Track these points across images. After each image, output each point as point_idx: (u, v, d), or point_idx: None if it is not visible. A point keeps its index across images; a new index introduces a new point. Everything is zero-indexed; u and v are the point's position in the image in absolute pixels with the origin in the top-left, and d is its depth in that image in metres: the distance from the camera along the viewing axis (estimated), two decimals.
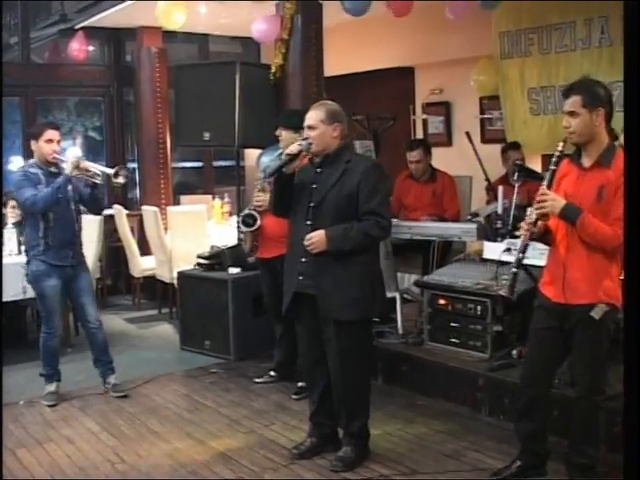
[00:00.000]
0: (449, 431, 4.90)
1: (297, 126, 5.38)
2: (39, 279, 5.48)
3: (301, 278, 4.21)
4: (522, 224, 3.80)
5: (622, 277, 3.70)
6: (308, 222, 4.18)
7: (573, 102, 3.65)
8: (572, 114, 3.65)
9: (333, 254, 4.09)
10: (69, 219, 5.49)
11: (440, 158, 7.58)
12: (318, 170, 4.24)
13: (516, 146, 6.89)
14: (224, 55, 10.34)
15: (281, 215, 4.47)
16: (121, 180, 5.34)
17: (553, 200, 3.65)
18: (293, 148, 4.17)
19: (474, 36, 7.82)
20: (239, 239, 6.30)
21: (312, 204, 4.17)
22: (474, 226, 5.78)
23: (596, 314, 3.65)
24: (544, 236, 3.83)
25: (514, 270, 3.79)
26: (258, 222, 5.53)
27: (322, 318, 4.19)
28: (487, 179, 6.64)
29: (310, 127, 4.20)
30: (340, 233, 4.09)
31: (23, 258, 5.68)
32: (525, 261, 4.63)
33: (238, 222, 5.87)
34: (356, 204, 4.11)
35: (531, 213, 3.73)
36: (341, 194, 4.12)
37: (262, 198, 5.49)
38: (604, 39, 6.66)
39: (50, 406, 5.54)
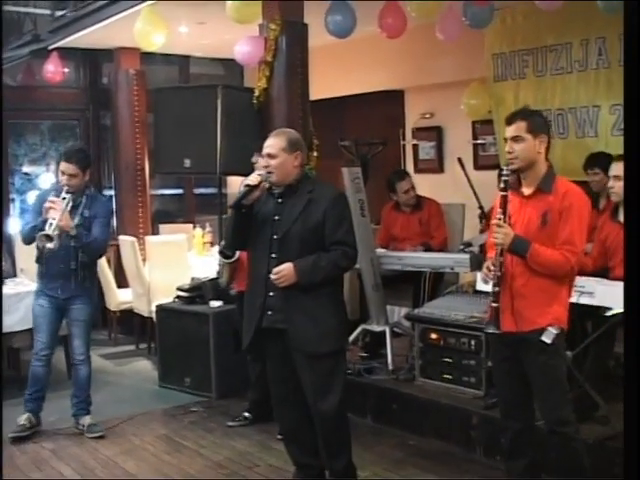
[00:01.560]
0: (442, 473, 4.88)
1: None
2: (35, 296, 5.73)
3: (270, 313, 4.22)
4: (487, 263, 3.89)
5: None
6: (273, 255, 4.19)
7: (518, 127, 3.83)
8: (516, 139, 3.82)
9: (302, 287, 4.12)
10: (62, 254, 5.49)
11: (431, 185, 7.63)
12: (279, 201, 4.26)
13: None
14: (205, 77, 10.39)
15: (238, 248, 4.52)
16: (49, 245, 5.31)
17: (505, 234, 3.77)
18: (253, 178, 4.19)
19: (466, 58, 7.89)
20: (217, 272, 6.30)
21: (276, 236, 4.19)
22: (467, 256, 5.80)
23: (547, 338, 3.73)
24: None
25: (495, 305, 3.82)
26: (237, 254, 5.53)
27: (295, 353, 4.20)
28: (480, 207, 6.65)
29: (270, 155, 4.22)
30: (310, 265, 4.12)
31: None
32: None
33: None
34: (322, 235, 4.16)
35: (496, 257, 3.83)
36: (307, 226, 4.15)
37: None
38: (601, 61, 6.74)
39: (13, 439, 5.51)
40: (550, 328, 3.75)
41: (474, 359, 5.40)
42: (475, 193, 6.55)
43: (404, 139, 9.40)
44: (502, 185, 3.83)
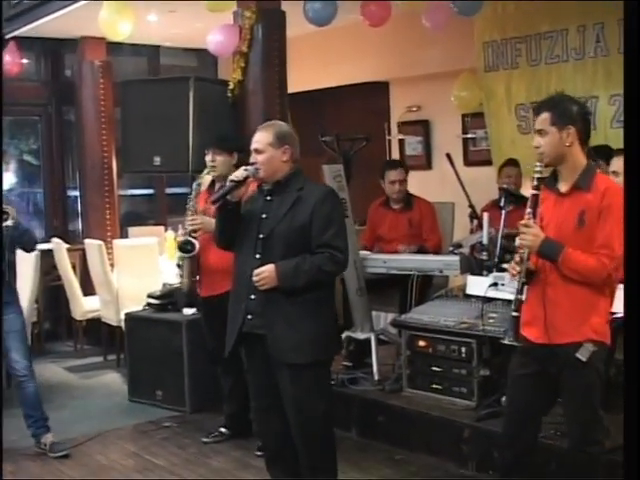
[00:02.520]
0: None
1: (231, 149, 5.55)
2: None
3: (250, 317, 4.20)
4: (512, 264, 3.80)
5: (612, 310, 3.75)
6: (257, 256, 4.18)
7: (542, 119, 3.73)
8: (541, 133, 3.73)
9: (284, 291, 4.11)
10: None
11: (419, 183, 7.65)
12: (268, 198, 4.27)
13: (513, 163, 6.91)
14: (177, 69, 10.37)
15: (224, 247, 4.49)
16: (8, 222, 5.30)
17: (534, 236, 3.66)
18: (239, 174, 4.19)
19: (455, 47, 7.92)
20: (179, 275, 6.09)
21: (261, 236, 4.18)
22: (457, 258, 5.81)
23: (583, 355, 3.62)
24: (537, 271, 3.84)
25: (515, 315, 3.76)
26: (197, 247, 5.53)
27: (274, 361, 4.18)
28: (471, 205, 6.67)
29: (257, 150, 4.23)
30: (292, 268, 4.10)
31: None
32: (505, 295, 4.68)
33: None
34: (309, 236, 4.14)
35: (521, 248, 3.73)
36: (293, 225, 4.14)
37: (198, 221, 5.53)
38: (600, 48, 6.75)
39: None
40: (586, 344, 3.61)
41: (465, 368, 5.41)
42: (465, 191, 6.57)
43: (389, 134, 9.42)
44: (534, 183, 3.71)
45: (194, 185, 5.75)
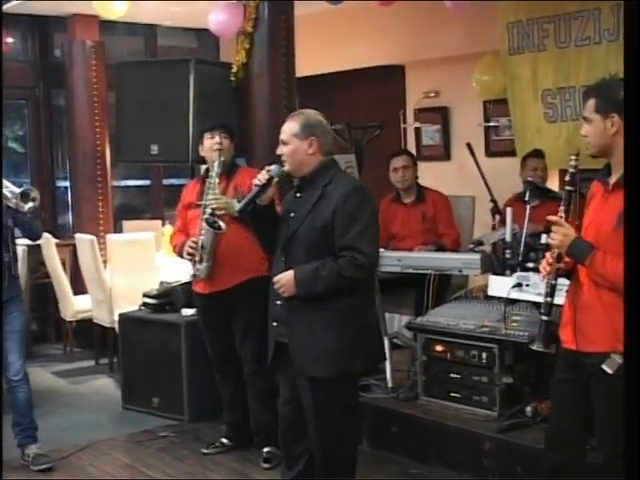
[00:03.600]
0: None
1: (233, 136, 5.62)
2: None
3: (275, 324, 4.26)
4: (543, 263, 3.77)
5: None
6: (283, 258, 4.21)
7: (588, 106, 3.68)
8: (586, 120, 3.68)
9: (305, 297, 4.11)
10: None
11: (436, 174, 7.65)
12: (297, 195, 4.29)
13: (539, 153, 6.91)
14: (176, 51, 10.40)
15: (270, 253, 4.48)
16: (31, 204, 5.33)
17: (564, 235, 3.61)
18: (261, 177, 4.19)
19: (477, 28, 7.91)
20: (193, 273, 5.79)
21: (286, 236, 4.21)
22: (477, 257, 5.81)
23: (609, 367, 3.55)
24: (570, 271, 3.83)
25: (545, 319, 3.76)
26: (224, 226, 5.33)
27: (296, 373, 4.20)
28: (493, 200, 6.66)
29: (282, 142, 4.24)
30: (309, 274, 4.09)
31: None
32: (539, 298, 4.67)
33: (201, 233, 5.50)
34: (332, 237, 4.10)
35: (553, 247, 3.70)
36: (314, 226, 4.12)
37: (223, 199, 5.38)
38: None
39: None
40: (614, 355, 3.54)
41: (486, 375, 5.41)
42: (486, 184, 6.57)
43: (405, 122, 9.41)
44: (567, 178, 3.68)
45: (216, 167, 5.56)
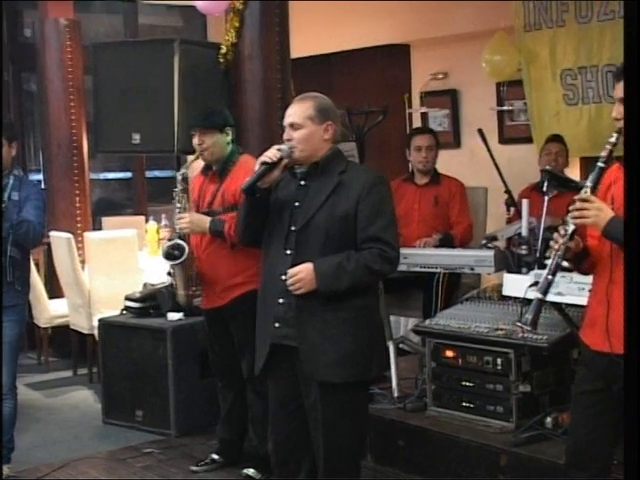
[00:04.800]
0: None
1: (222, 125, 5.54)
2: None
3: (277, 325, 4.20)
4: (555, 235, 3.73)
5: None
6: (288, 251, 4.17)
7: (619, 87, 3.64)
8: (621, 101, 3.62)
9: (322, 295, 4.09)
10: None
11: (445, 163, 7.64)
12: (302, 183, 4.25)
13: (558, 140, 6.91)
14: (158, 30, 10.42)
15: (250, 244, 4.50)
16: None
17: (598, 210, 3.53)
18: (270, 154, 4.16)
19: (488, 3, 7.91)
20: (171, 285, 6.06)
21: (294, 228, 4.17)
22: (491, 253, 5.82)
23: None
24: (580, 258, 3.81)
25: (539, 296, 3.76)
26: (186, 251, 5.46)
27: (304, 378, 4.19)
28: (507, 191, 6.68)
29: (293, 125, 4.21)
30: (333, 267, 4.07)
31: None
32: (558, 298, 4.67)
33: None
34: (354, 228, 4.11)
35: (568, 222, 3.63)
36: (334, 215, 4.11)
37: (186, 219, 5.50)
38: None
39: None
40: None
41: (501, 383, 5.41)
42: (500, 173, 6.59)
43: (410, 106, 9.43)
44: (603, 154, 3.61)
45: (178, 176, 5.70)
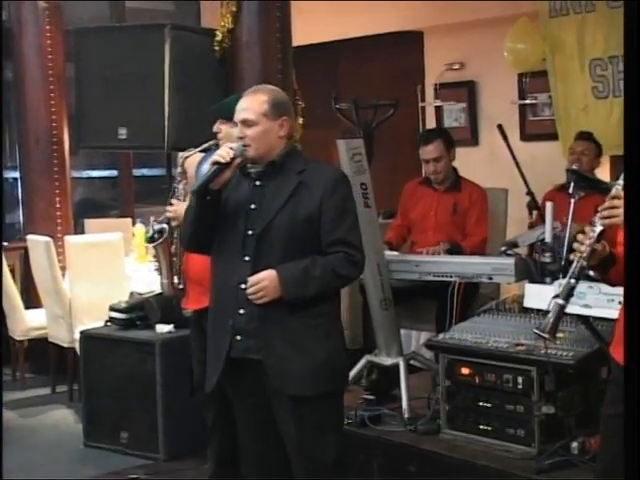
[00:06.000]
0: None
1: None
2: None
3: (239, 338, 4.21)
4: (579, 236, 3.73)
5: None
6: (246, 258, 4.19)
7: None
8: None
9: (287, 303, 4.13)
10: None
11: (461, 163, 7.64)
12: (257, 183, 4.28)
13: (586, 136, 6.91)
14: (147, 15, 10.41)
15: (197, 250, 4.57)
16: None
17: None
18: (223, 153, 4.19)
19: None
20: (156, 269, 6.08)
21: (251, 232, 4.20)
22: (511, 261, 5.83)
23: None
24: (606, 266, 3.80)
25: (560, 302, 3.75)
26: (165, 234, 5.54)
27: (273, 393, 4.21)
28: (530, 192, 6.69)
29: (246, 122, 4.24)
30: (299, 273, 4.12)
31: None
32: (586, 311, 4.67)
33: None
34: (317, 231, 4.17)
35: (596, 223, 3.57)
36: (296, 217, 4.16)
37: (174, 208, 5.54)
38: None
39: None
40: None
41: (523, 403, 5.41)
42: (522, 174, 6.59)
43: (423, 99, 9.44)
44: None
45: (179, 159, 5.71)
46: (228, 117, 5.48)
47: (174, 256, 5.64)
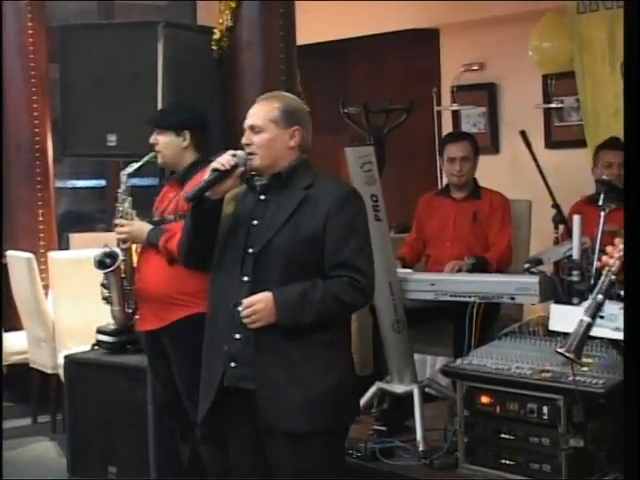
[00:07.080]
0: None
1: (180, 126, 5.62)
2: None
3: (233, 365, 4.21)
4: (609, 249, 3.73)
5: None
6: (245, 278, 4.20)
7: None
8: None
9: (285, 329, 4.12)
10: None
11: (481, 172, 7.65)
12: (262, 197, 4.29)
13: (617, 144, 6.92)
14: (138, 11, 10.44)
15: (195, 265, 4.55)
16: None
17: None
18: (224, 160, 4.20)
19: None
20: (104, 298, 6.16)
21: (251, 250, 4.20)
22: (535, 280, 5.83)
23: None
24: None
25: (586, 320, 3.73)
26: (119, 259, 5.67)
27: (266, 427, 4.20)
28: (555, 204, 6.69)
29: (253, 128, 4.26)
30: (297, 297, 4.11)
31: None
32: (617, 334, 4.66)
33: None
34: (320, 252, 4.16)
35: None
36: (297, 236, 4.15)
37: (125, 228, 5.60)
38: None
39: None
40: None
41: (548, 436, 5.40)
42: (547, 184, 6.59)
43: (439, 103, 9.45)
44: None
45: (122, 176, 5.81)
46: (165, 127, 5.56)
47: (124, 279, 5.77)
